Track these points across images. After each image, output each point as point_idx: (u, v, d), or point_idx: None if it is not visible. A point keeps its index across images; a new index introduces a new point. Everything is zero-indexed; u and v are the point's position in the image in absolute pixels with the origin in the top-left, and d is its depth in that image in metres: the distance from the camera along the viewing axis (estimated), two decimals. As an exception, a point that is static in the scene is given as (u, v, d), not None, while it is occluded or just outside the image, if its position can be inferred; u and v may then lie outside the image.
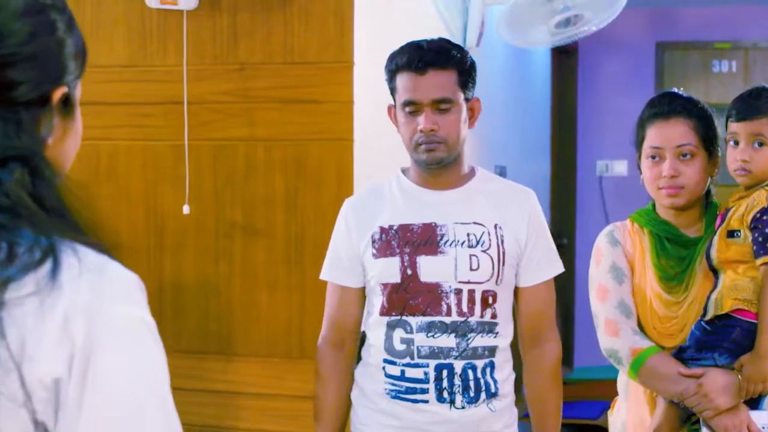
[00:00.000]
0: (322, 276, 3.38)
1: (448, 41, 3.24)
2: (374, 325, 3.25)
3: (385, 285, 3.19)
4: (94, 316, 1.27)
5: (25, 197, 1.30)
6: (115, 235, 1.40)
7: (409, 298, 3.16)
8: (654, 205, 3.35)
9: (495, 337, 3.19)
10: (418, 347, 3.15)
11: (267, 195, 4.37)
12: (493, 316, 3.18)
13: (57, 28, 1.41)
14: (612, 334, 3.23)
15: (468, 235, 3.16)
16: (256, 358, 4.40)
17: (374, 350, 3.25)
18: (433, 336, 3.13)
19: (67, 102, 1.43)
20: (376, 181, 3.46)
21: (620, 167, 8.94)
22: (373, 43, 4.34)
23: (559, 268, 3.33)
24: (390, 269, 3.17)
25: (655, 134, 3.23)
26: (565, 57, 9.11)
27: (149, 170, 4.53)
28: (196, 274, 4.47)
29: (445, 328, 3.13)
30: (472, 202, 3.23)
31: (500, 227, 3.20)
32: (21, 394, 1.24)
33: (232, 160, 4.42)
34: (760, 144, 3.11)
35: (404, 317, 3.16)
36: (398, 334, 3.18)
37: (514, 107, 7.31)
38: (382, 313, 3.20)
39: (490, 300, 3.17)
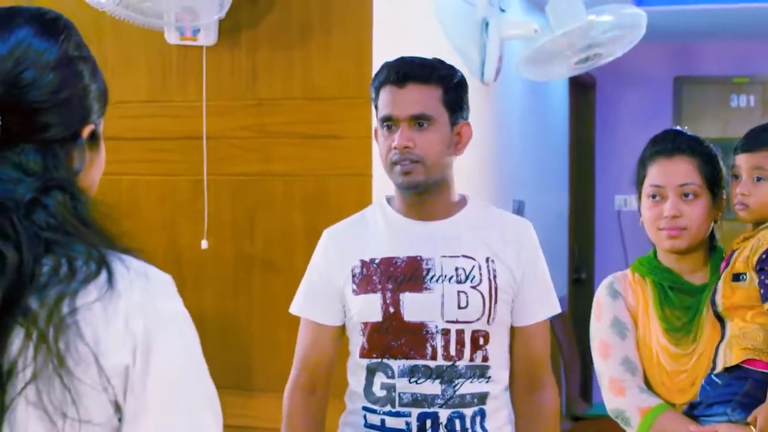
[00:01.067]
0: (293, 309, 3.12)
1: (439, 60, 3.00)
2: (354, 368, 2.98)
3: (365, 324, 2.90)
4: (148, 313, 1.58)
5: (70, 217, 1.57)
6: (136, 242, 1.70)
7: (390, 339, 2.87)
8: (655, 252, 3.16)
9: (487, 382, 2.89)
10: (399, 394, 2.86)
11: (286, 230, 4.38)
12: (485, 358, 2.88)
13: (83, 76, 1.66)
14: (617, 393, 3.01)
15: (456, 269, 2.88)
16: (275, 394, 4.38)
17: (355, 396, 2.98)
18: (416, 381, 2.84)
19: (93, 136, 1.68)
20: (359, 211, 3.18)
21: (639, 202, 8.92)
22: (391, 78, 4.35)
23: (556, 307, 3.06)
24: (371, 307, 2.88)
25: (656, 172, 3.08)
26: (583, 91, 9.11)
27: (168, 205, 4.54)
28: (215, 309, 4.47)
29: (429, 373, 2.84)
30: (462, 234, 2.94)
31: (492, 261, 2.91)
32: (100, 381, 1.54)
33: (250, 195, 4.43)
34: (759, 179, 2.97)
35: (385, 360, 2.87)
36: (379, 378, 2.89)
37: (532, 141, 7.31)
38: (362, 355, 2.92)
39: (481, 341, 2.88)
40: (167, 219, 4.55)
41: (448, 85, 2.91)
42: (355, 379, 2.97)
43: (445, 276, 2.87)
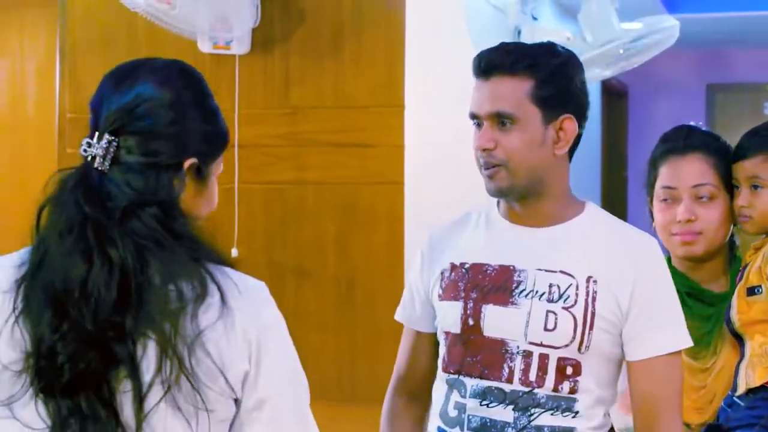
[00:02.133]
0: (396, 316, 2.80)
1: (542, 46, 2.56)
2: (438, 383, 2.63)
3: (447, 334, 2.57)
4: (257, 321, 1.84)
5: (161, 229, 1.78)
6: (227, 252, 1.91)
7: (467, 353, 2.51)
8: (670, 259, 2.84)
9: (573, 417, 2.46)
10: (469, 416, 2.51)
11: (317, 237, 4.39)
12: (573, 390, 2.44)
13: (193, 119, 1.89)
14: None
15: (550, 285, 2.47)
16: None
17: (433, 415, 2.65)
18: (487, 405, 2.48)
19: (199, 171, 1.89)
20: (471, 209, 2.76)
21: (671, 210, 8.89)
22: (424, 86, 4.36)
23: (678, 341, 2.49)
24: (451, 315, 2.54)
25: (668, 173, 2.80)
26: (615, 99, 9.09)
27: (201, 213, 4.56)
28: (247, 317, 4.48)
29: (502, 398, 2.46)
30: (564, 246, 2.51)
31: (594, 281, 2.45)
32: (228, 389, 1.77)
33: (282, 202, 4.44)
34: (756, 187, 2.71)
35: (461, 377, 2.52)
36: (454, 397, 2.54)
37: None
38: (443, 369, 2.58)
39: (569, 371, 2.45)
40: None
41: (541, 76, 2.47)
42: (437, 395, 2.62)
43: (536, 292, 2.48)
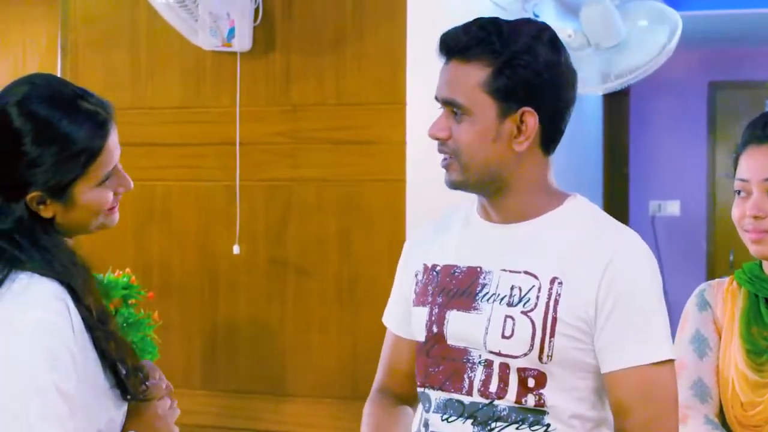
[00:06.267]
0: (383, 318, 2.57)
1: (515, 23, 2.23)
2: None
3: (417, 343, 2.34)
4: None
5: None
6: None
7: (430, 364, 2.29)
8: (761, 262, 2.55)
9: (545, 430, 2.19)
10: None
11: (319, 235, 4.38)
12: (540, 404, 2.17)
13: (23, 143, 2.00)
14: (680, 421, 2.25)
15: (512, 288, 2.19)
16: (309, 399, 4.39)
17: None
18: (447, 420, 2.25)
19: (59, 195, 2.03)
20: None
21: (673, 207, 8.88)
22: (425, 83, 4.35)
23: (659, 352, 2.15)
24: (418, 322, 2.32)
25: (743, 163, 2.49)
26: (617, 98, 9.08)
27: (202, 211, 4.56)
28: (249, 314, 4.48)
29: (461, 411, 2.23)
30: (532, 243, 2.23)
31: (560, 282, 2.16)
32: None
33: (284, 200, 4.44)
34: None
35: (426, 389, 2.30)
36: (421, 412, 2.34)
37: (566, 148, 7.28)
38: (417, 381, 2.36)
39: (531, 382, 2.17)
40: (201, 225, 4.56)
41: (498, 63, 2.16)
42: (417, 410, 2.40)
43: (498, 295, 2.21)
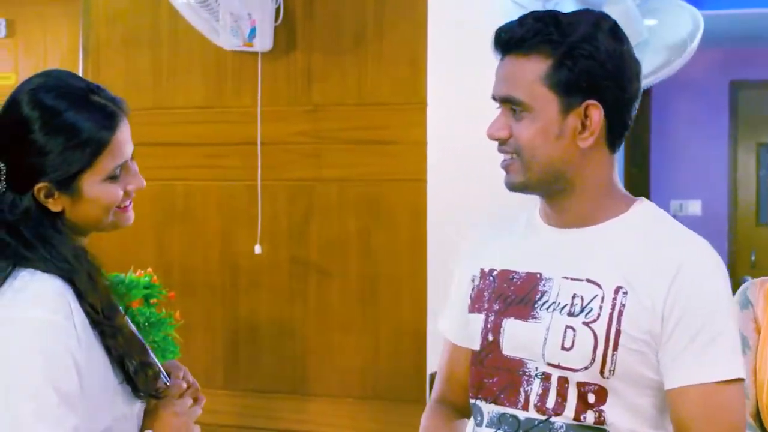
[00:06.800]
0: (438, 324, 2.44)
1: (573, 15, 2.12)
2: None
3: (472, 351, 2.21)
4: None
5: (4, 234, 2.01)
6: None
7: (484, 374, 2.16)
8: None
9: None
10: None
11: (340, 235, 4.39)
12: (599, 421, 2.02)
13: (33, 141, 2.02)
14: None
15: (573, 297, 2.06)
16: (330, 398, 4.40)
17: None
18: None
19: (66, 187, 2.03)
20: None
21: (694, 207, 8.85)
22: (446, 83, 4.35)
23: (728, 370, 1.99)
24: (474, 330, 2.18)
25: None
26: (638, 96, 9.05)
27: (224, 210, 4.57)
28: (270, 314, 4.49)
29: (516, 426, 2.10)
30: (596, 250, 2.10)
31: (625, 292, 2.03)
32: None
33: (305, 200, 4.44)
34: None
35: (478, 401, 2.17)
36: (471, 424, 2.23)
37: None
38: (470, 392, 2.23)
39: (592, 398, 2.03)
40: (223, 224, 4.57)
41: (558, 55, 2.05)
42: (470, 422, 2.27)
43: (558, 304, 2.08)
